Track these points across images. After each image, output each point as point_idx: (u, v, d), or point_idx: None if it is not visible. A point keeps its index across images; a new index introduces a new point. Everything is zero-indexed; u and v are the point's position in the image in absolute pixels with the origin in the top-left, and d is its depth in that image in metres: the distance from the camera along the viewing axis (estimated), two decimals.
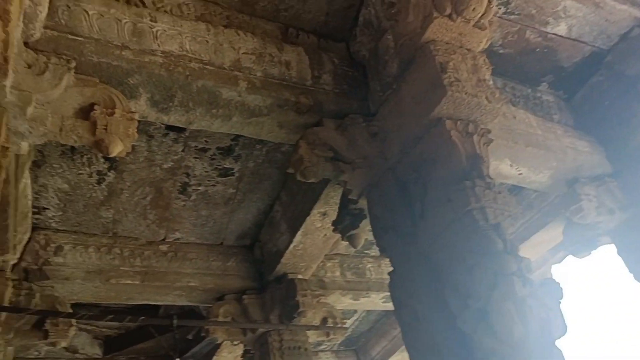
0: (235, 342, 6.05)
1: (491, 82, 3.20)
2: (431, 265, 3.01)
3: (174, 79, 3.05)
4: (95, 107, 2.77)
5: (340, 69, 3.59)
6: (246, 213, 4.95)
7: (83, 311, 5.29)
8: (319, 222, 4.51)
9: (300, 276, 5.23)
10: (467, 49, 3.13)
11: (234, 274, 5.27)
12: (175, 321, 4.69)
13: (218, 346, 6.49)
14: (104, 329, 6.83)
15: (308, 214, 4.44)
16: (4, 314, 4.24)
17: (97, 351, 6.99)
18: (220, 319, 5.21)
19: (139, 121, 3.18)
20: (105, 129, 2.75)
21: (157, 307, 6.13)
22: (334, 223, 4.12)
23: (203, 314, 5.97)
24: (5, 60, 2.32)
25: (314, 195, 4.31)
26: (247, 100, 3.27)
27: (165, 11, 3.24)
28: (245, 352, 6.02)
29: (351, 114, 3.44)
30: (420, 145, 3.20)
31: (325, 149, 3.36)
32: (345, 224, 4.03)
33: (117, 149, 2.79)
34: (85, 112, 2.77)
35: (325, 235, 4.66)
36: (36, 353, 6.66)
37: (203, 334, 5.40)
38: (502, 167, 4.03)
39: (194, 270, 5.07)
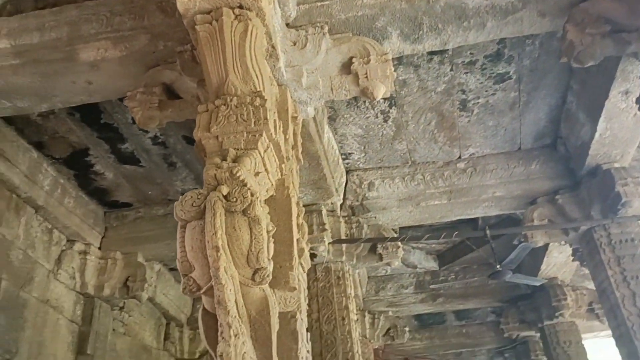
0: (562, 243, 5.89)
1: None
2: None
3: (417, 7, 3.08)
4: (353, 59, 3.04)
5: None
6: (537, 112, 4.67)
7: (410, 233, 5.95)
8: (622, 102, 3.96)
9: (616, 165, 4.71)
10: None
11: (539, 176, 5.07)
12: (487, 232, 4.85)
13: (546, 247, 6.42)
14: (433, 245, 7.48)
15: (606, 97, 3.94)
16: (344, 245, 5.12)
17: (432, 264, 7.74)
18: (536, 222, 5.13)
19: (401, 56, 3.34)
20: (366, 77, 3.01)
21: (476, 219, 6.37)
22: (639, 100, 3.57)
23: (521, 218, 5.96)
24: (273, 47, 2.76)
25: (608, 75, 3.78)
26: (497, 1, 3.07)
27: None
28: (575, 250, 5.78)
29: None
30: None
31: (599, 24, 2.92)
32: None
33: (380, 92, 3.02)
34: (346, 67, 3.07)
35: (635, 115, 4.06)
36: (384, 271, 7.78)
37: (522, 240, 5.42)
38: None
39: (496, 180, 5.08)
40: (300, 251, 2.50)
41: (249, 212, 1.97)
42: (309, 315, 5.01)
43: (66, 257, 5.08)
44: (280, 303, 2.32)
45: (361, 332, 7.36)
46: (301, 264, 2.52)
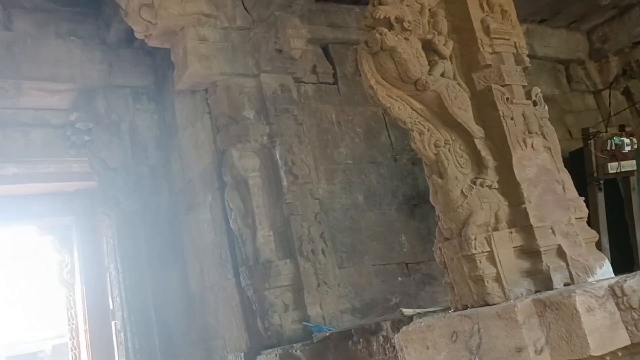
0: None
1: None
2: None
3: None
4: None
5: None
6: None
7: None
8: None
9: None
10: None
11: None
12: None
13: None
14: None
15: None
16: None
17: None
18: None
19: None
20: None
21: None
22: None
23: None
24: None
25: None
26: None
27: None
28: None
29: None
30: None
31: None
32: None
33: None
34: None
35: None
36: None
37: None
38: None
39: None
40: (486, 29, 2.71)
41: (383, 47, 2.45)
42: None
43: None
44: (479, 82, 2.71)
45: None
46: (493, 38, 2.72)
